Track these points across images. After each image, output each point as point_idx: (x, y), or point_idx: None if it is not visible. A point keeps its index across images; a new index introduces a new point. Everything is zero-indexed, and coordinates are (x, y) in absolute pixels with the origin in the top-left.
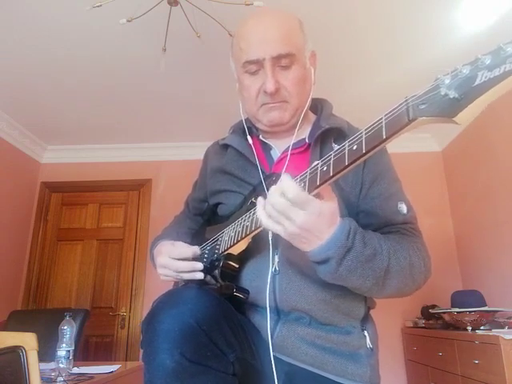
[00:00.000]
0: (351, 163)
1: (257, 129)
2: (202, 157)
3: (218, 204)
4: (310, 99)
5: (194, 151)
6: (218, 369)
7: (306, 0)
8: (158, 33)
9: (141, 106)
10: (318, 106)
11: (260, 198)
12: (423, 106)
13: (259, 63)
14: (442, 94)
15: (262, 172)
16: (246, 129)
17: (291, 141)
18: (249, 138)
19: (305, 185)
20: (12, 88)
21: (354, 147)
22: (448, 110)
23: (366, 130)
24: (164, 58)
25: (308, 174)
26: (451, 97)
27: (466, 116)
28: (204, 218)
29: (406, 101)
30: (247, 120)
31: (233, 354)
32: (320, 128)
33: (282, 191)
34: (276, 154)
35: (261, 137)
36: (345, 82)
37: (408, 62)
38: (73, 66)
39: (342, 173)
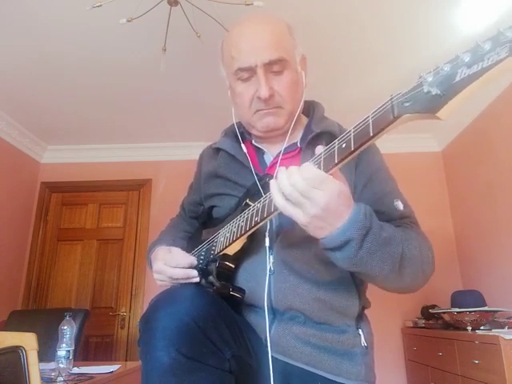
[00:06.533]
0: (340, 161)
1: (249, 134)
2: None
3: (212, 207)
4: (302, 103)
5: (194, 151)
6: (214, 365)
7: (306, 0)
8: (158, 33)
9: (141, 106)
10: (310, 109)
11: (273, 181)
12: (407, 104)
13: (251, 70)
14: (425, 91)
15: (256, 174)
16: (239, 134)
17: (283, 145)
18: (243, 145)
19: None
20: (12, 88)
21: (343, 145)
22: (430, 106)
23: (354, 128)
24: (164, 57)
25: (323, 154)
26: (433, 93)
27: (448, 111)
28: (200, 221)
29: (391, 99)
30: (239, 125)
31: (229, 352)
32: (311, 132)
33: (299, 171)
34: (269, 158)
35: (253, 142)
36: (344, 81)
37: (408, 62)
38: (73, 66)
39: (332, 170)
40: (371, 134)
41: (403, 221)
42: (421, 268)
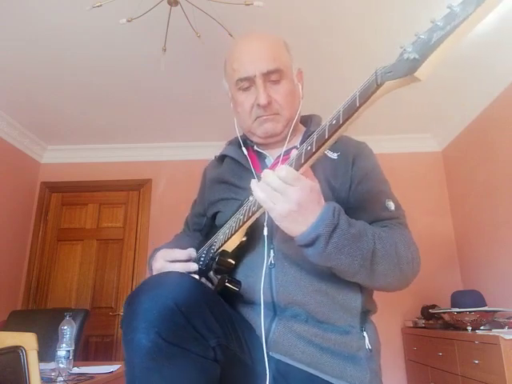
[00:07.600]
0: (331, 136)
1: (252, 142)
2: (202, 157)
3: (216, 214)
4: (299, 112)
5: (195, 151)
6: (197, 352)
7: (305, 0)
8: (158, 33)
9: (141, 106)
10: (307, 120)
11: (254, 181)
12: (390, 74)
13: (251, 80)
14: (405, 58)
15: (256, 174)
16: (241, 142)
17: (283, 148)
18: (244, 149)
19: (292, 166)
20: (12, 88)
21: (333, 122)
22: (409, 69)
23: (343, 105)
24: (164, 57)
25: (295, 156)
26: (412, 58)
27: (426, 71)
28: (203, 233)
29: (376, 72)
30: (242, 136)
31: (214, 340)
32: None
33: (275, 172)
34: (270, 161)
35: (255, 147)
36: (343, 82)
37: None
38: (73, 65)
39: (324, 146)
40: (357, 105)
41: (391, 221)
42: (398, 267)
